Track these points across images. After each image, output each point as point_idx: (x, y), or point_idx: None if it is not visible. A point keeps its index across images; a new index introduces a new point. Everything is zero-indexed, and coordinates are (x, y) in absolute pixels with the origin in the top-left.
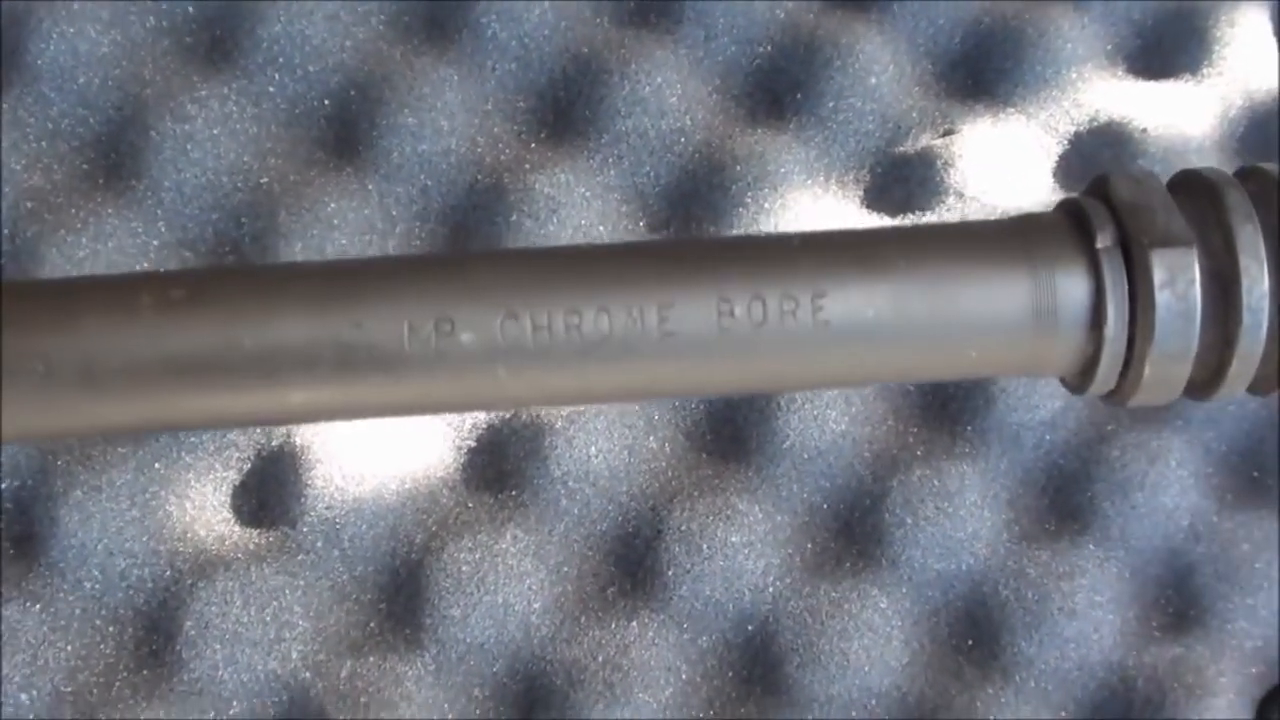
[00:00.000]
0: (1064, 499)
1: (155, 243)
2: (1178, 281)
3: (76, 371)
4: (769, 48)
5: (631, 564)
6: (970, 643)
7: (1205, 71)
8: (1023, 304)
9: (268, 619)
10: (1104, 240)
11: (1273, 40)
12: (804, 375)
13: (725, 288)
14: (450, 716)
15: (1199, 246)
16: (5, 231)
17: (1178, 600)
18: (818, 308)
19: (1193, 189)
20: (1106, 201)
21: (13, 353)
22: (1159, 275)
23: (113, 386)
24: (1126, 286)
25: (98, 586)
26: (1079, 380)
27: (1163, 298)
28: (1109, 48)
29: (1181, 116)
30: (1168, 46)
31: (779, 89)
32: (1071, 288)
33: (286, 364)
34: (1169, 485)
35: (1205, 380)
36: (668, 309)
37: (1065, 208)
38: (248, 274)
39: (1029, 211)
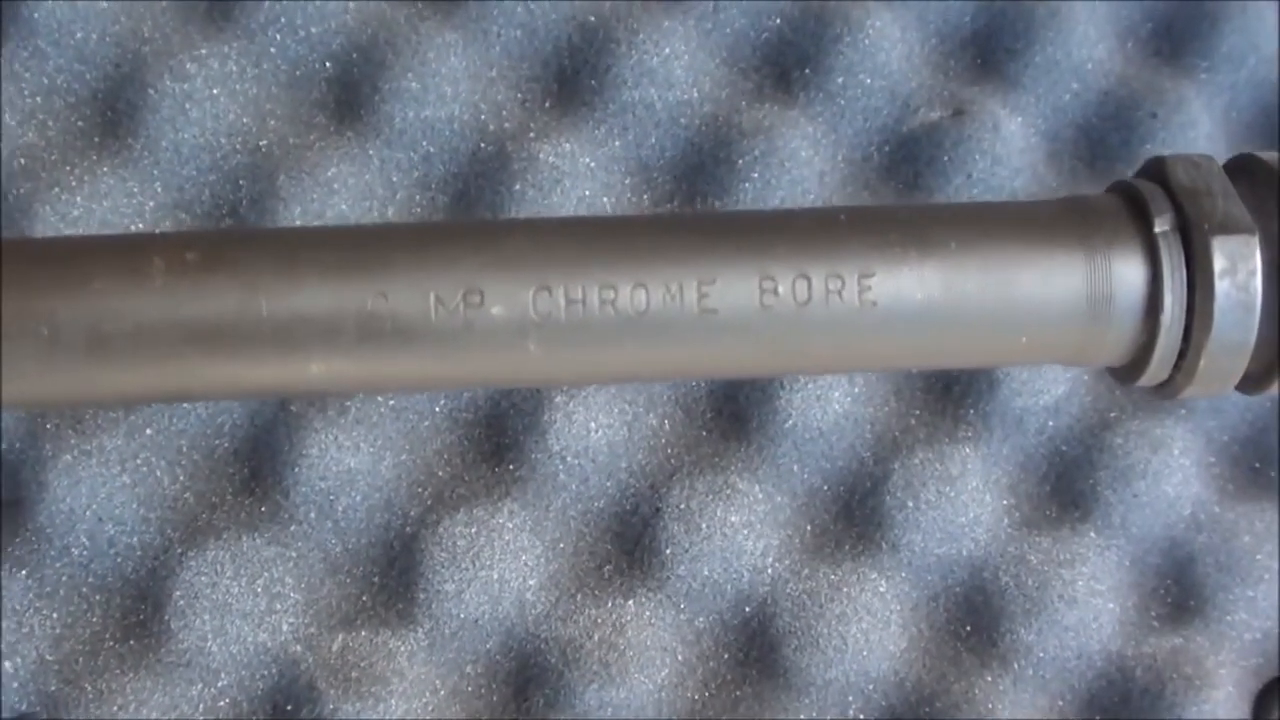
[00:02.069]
0: (1066, 485)
1: (151, 203)
2: (1239, 270)
3: (83, 336)
4: (778, 20)
5: (629, 542)
6: (969, 629)
7: (1215, 57)
8: (1077, 289)
9: (258, 590)
10: (1162, 225)
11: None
12: (848, 358)
13: (769, 265)
14: (442, 692)
15: (1261, 235)
16: None
17: (1177, 590)
18: (864, 288)
19: (1253, 175)
20: (1164, 185)
21: (14, 314)
22: (1219, 263)
23: (121, 353)
24: (1185, 274)
25: (85, 553)
26: (1130, 370)
27: (1223, 286)
28: (1120, 30)
29: (1191, 101)
30: (1178, 31)
31: (787, 63)
32: (1128, 273)
33: (306, 333)
34: (1171, 474)
35: (1260, 374)
36: (708, 285)
37: (1121, 189)
38: (266, 237)
39: (1084, 194)
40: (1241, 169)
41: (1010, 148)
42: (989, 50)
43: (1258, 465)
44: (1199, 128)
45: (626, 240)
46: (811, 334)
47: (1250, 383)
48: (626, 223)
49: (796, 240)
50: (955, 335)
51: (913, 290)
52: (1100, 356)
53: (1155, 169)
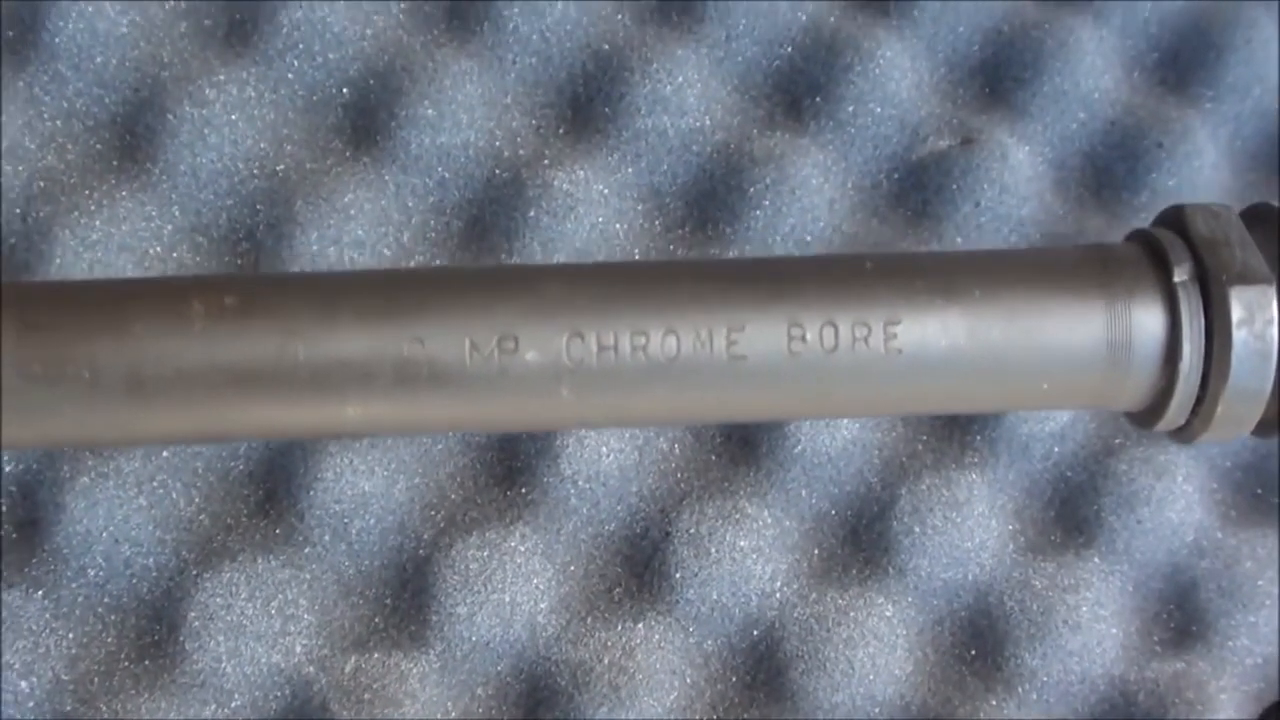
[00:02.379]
0: (1070, 511)
1: (169, 227)
2: (1256, 320)
3: (123, 379)
4: (790, 49)
5: (639, 565)
6: (974, 653)
7: (1220, 87)
8: (1098, 337)
9: (272, 612)
10: (1181, 274)
11: None
12: (874, 404)
13: (796, 312)
14: (454, 714)
15: (1277, 284)
16: (18, 211)
17: (1180, 616)
18: (890, 335)
19: (1269, 223)
20: (1183, 234)
21: (56, 358)
22: (1237, 312)
23: (161, 396)
24: (1203, 322)
25: (101, 574)
26: (1148, 416)
27: (1240, 336)
28: (1126, 60)
29: (1196, 131)
30: (1184, 61)
31: (798, 91)
32: (1147, 321)
33: (343, 378)
34: (1175, 500)
35: (1275, 419)
36: (737, 332)
37: (1140, 238)
38: (303, 281)
39: (1104, 242)
40: (1258, 217)
41: (1018, 176)
42: (997, 79)
43: (1259, 492)
44: (1204, 157)
45: (657, 287)
46: (838, 380)
47: (1265, 428)
48: (657, 269)
49: (824, 288)
50: (979, 382)
51: (938, 338)
52: (1119, 402)
53: (1174, 218)
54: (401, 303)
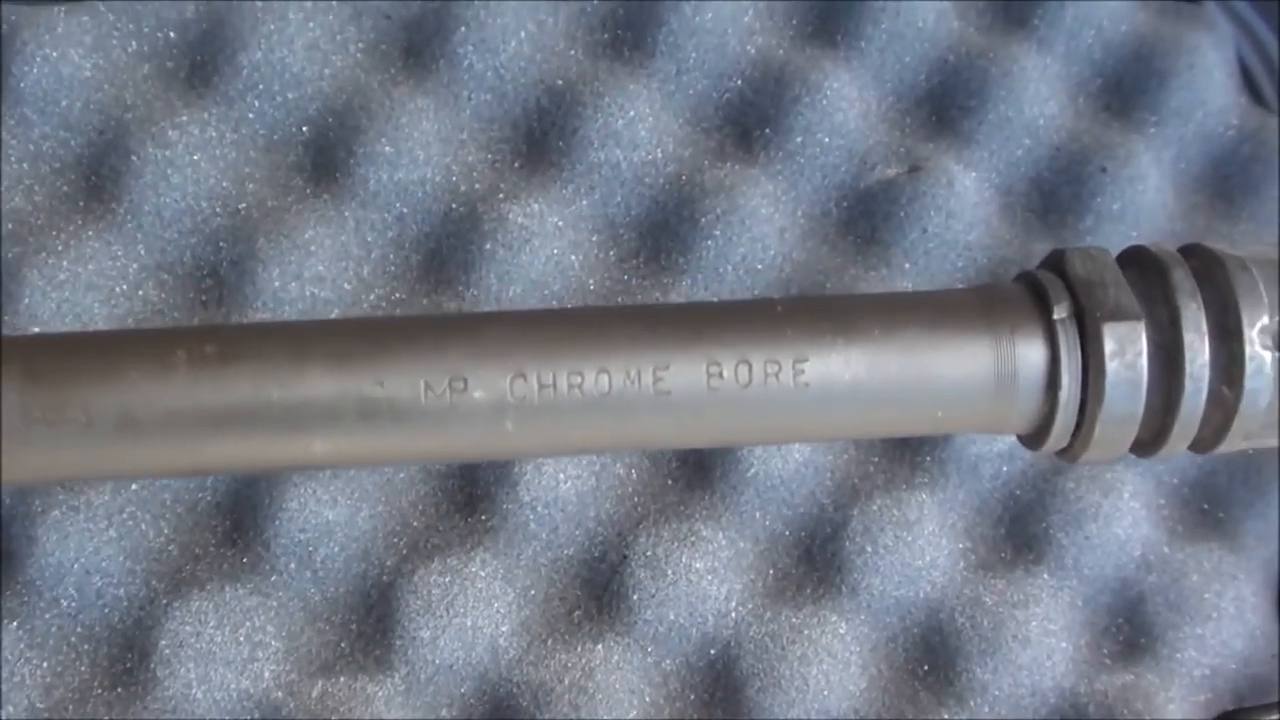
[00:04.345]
0: (1020, 529)
1: (134, 265)
2: (1126, 352)
3: (115, 420)
4: (739, 82)
5: (597, 588)
6: (926, 668)
7: (1164, 112)
8: (986, 369)
9: (241, 639)
10: (1060, 312)
11: (1230, 81)
12: (785, 432)
13: (715, 352)
14: None
15: (1147, 320)
16: None
17: (1129, 629)
18: (798, 371)
19: (1142, 265)
20: (1063, 275)
21: (54, 402)
22: (1110, 346)
23: (149, 435)
24: (1080, 355)
25: (74, 604)
26: (1034, 439)
27: (1113, 366)
28: (1071, 87)
29: (1140, 155)
30: (1128, 87)
31: (748, 123)
32: (1030, 355)
33: (312, 417)
34: (1122, 517)
35: (1150, 440)
36: (662, 370)
37: (1025, 280)
38: (275, 330)
39: (992, 283)
40: (1133, 259)
41: (965, 202)
42: (943, 108)
43: (1206, 507)
44: (1148, 180)
45: (591, 331)
46: (753, 412)
47: (1141, 448)
48: (591, 314)
49: (738, 330)
50: (879, 411)
51: (841, 372)
52: (1008, 427)
53: (1055, 261)
54: (363, 349)
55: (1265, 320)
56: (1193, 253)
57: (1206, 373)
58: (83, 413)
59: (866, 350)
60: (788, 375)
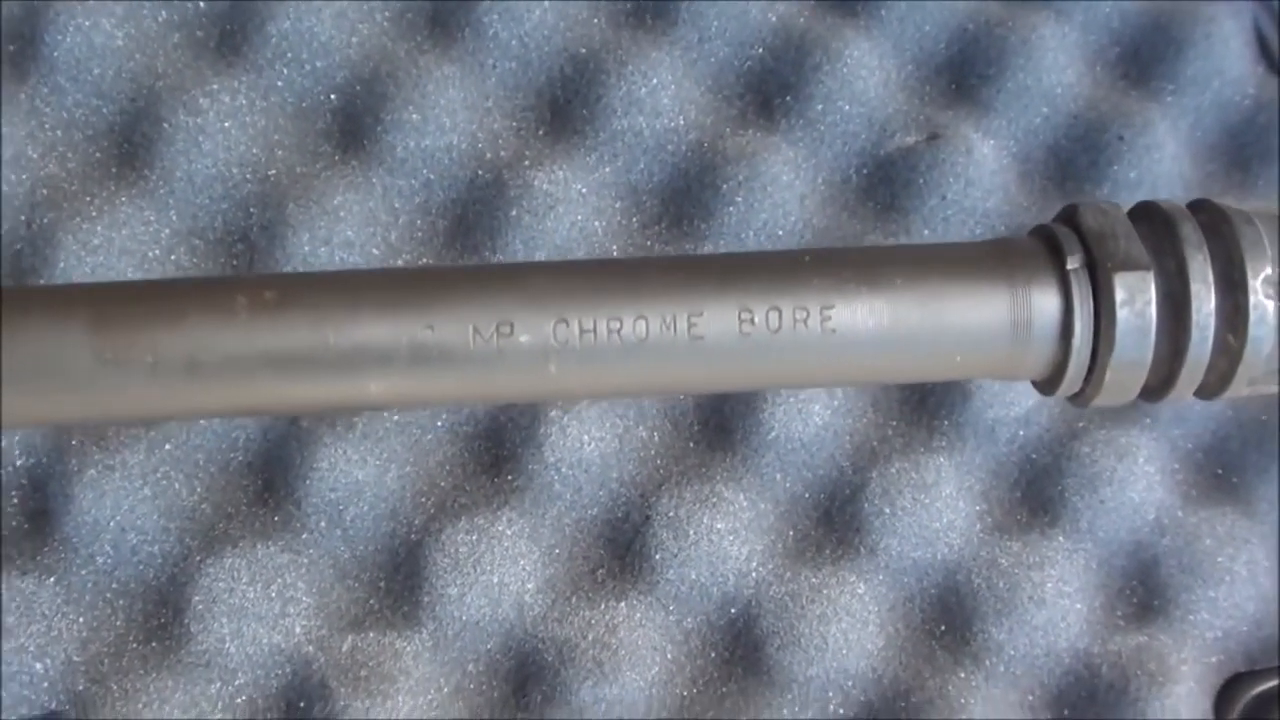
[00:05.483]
0: (1035, 492)
1: (166, 231)
2: (1136, 300)
3: (181, 363)
4: (760, 50)
5: (620, 548)
6: (943, 628)
7: (1181, 80)
8: (1002, 318)
9: (272, 595)
10: (1073, 263)
11: (1246, 50)
12: (813, 376)
13: (746, 299)
14: (446, 690)
15: (1155, 270)
16: (22, 218)
17: (1142, 591)
18: (826, 318)
19: (1152, 219)
20: (1076, 229)
21: (123, 346)
22: (1120, 295)
23: (212, 377)
24: (1092, 304)
25: (109, 561)
26: (1048, 384)
27: (1123, 314)
28: (1089, 55)
29: (1157, 124)
30: (1146, 56)
31: (769, 91)
32: (1045, 304)
33: (366, 359)
34: (1136, 481)
35: (1158, 385)
36: (697, 317)
37: (1040, 233)
38: (330, 279)
39: (1009, 236)
40: (1144, 214)
41: (983, 170)
42: (963, 77)
43: (1219, 472)
44: (1164, 149)
45: (630, 280)
46: (782, 357)
47: (1150, 393)
48: (630, 265)
49: (769, 279)
50: (901, 356)
51: (865, 319)
52: (1023, 372)
53: (1069, 215)
54: (414, 295)
55: (1269, 271)
56: (1201, 208)
57: (1212, 321)
58: (150, 354)
59: (890, 299)
60: (815, 322)
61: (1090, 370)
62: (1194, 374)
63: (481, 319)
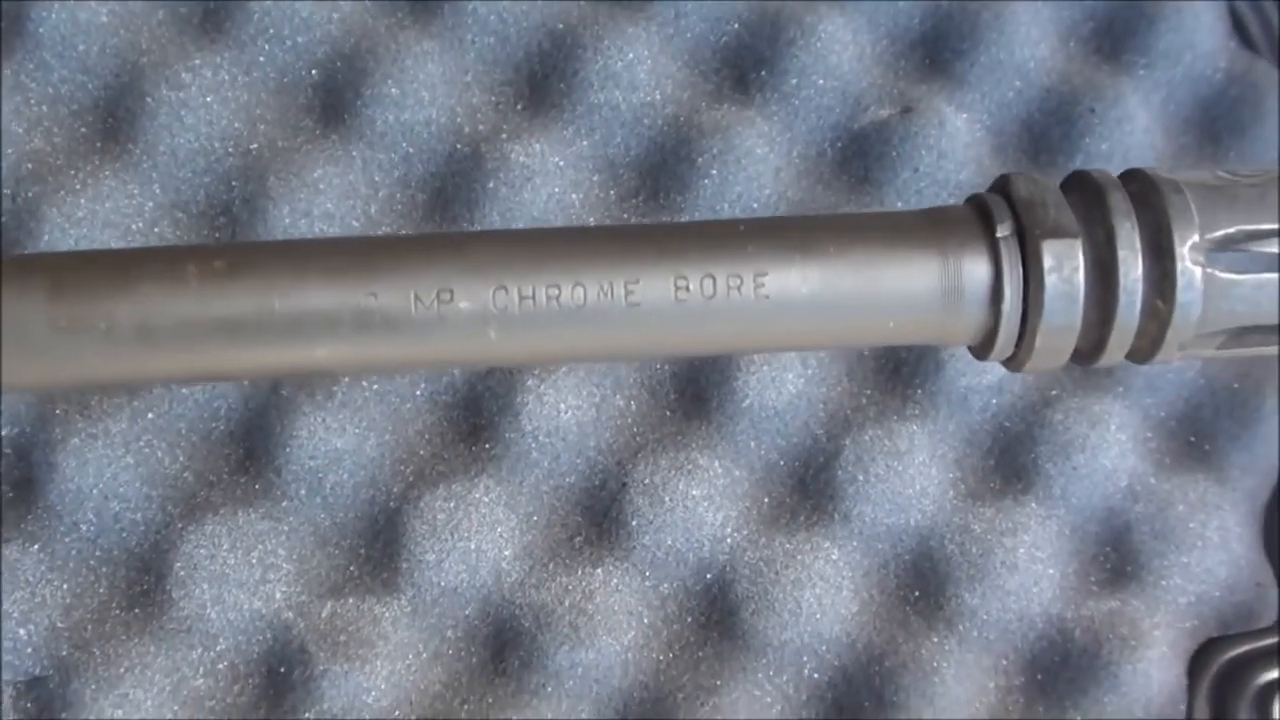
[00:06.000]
0: (1008, 459)
1: (150, 204)
2: (1064, 267)
3: (134, 330)
4: (736, 25)
5: (597, 514)
6: (917, 594)
7: (1153, 54)
8: (934, 284)
9: (253, 561)
10: (1003, 231)
11: (1218, 24)
12: (747, 342)
13: (681, 267)
14: (424, 655)
15: (1084, 238)
16: (7, 191)
17: (1115, 557)
18: (759, 284)
19: (1083, 189)
20: (1007, 198)
21: (78, 313)
22: (1048, 261)
23: (164, 343)
24: (1021, 271)
25: (93, 529)
26: (982, 349)
27: (1051, 280)
28: (1061, 29)
29: (1128, 97)
30: (1118, 30)
31: (745, 65)
32: (975, 271)
33: (312, 326)
34: (1109, 448)
35: (1089, 350)
36: (633, 284)
37: (973, 202)
38: (278, 248)
39: (943, 205)
40: (1076, 183)
41: (956, 143)
42: (936, 51)
43: (1192, 439)
44: (1136, 121)
45: (568, 248)
46: (717, 323)
47: (1082, 357)
48: (568, 234)
49: (704, 247)
50: (834, 321)
51: (798, 286)
52: (956, 338)
53: (1001, 185)
54: (359, 264)
55: (1195, 238)
56: (1133, 177)
57: (1140, 287)
58: (103, 322)
59: (823, 266)
60: (749, 289)
61: (1021, 335)
62: (1123, 338)
63: (422, 286)
